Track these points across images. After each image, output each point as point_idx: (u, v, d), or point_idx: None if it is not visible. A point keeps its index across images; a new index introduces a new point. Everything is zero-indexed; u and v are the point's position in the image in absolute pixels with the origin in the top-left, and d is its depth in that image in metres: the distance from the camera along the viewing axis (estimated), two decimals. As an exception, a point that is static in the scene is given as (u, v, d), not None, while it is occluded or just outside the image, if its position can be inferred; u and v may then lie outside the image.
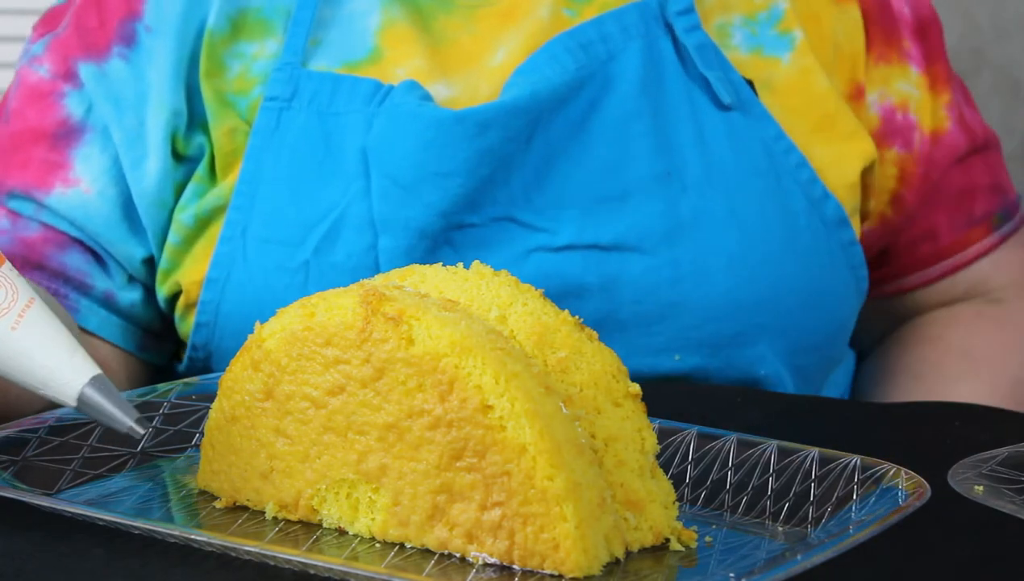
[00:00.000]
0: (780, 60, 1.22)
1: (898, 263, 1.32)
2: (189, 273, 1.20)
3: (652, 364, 1.14)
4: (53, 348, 0.86)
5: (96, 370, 0.86)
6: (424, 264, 1.13)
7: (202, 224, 1.19)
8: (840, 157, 1.22)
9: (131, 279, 1.23)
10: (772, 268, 1.17)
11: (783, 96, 1.21)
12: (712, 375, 1.17)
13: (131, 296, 1.23)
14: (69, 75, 1.23)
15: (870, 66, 1.25)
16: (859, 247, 1.22)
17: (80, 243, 1.22)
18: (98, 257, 1.22)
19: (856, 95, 1.25)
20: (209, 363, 1.21)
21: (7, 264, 0.88)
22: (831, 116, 1.22)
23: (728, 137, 1.18)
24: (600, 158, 1.17)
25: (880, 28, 1.26)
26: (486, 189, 1.16)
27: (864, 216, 1.27)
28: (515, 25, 1.21)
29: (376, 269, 1.15)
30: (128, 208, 1.21)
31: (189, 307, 1.20)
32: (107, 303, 1.23)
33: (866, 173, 1.24)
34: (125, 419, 0.85)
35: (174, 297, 1.22)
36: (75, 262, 1.22)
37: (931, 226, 1.30)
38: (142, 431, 0.85)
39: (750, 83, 1.20)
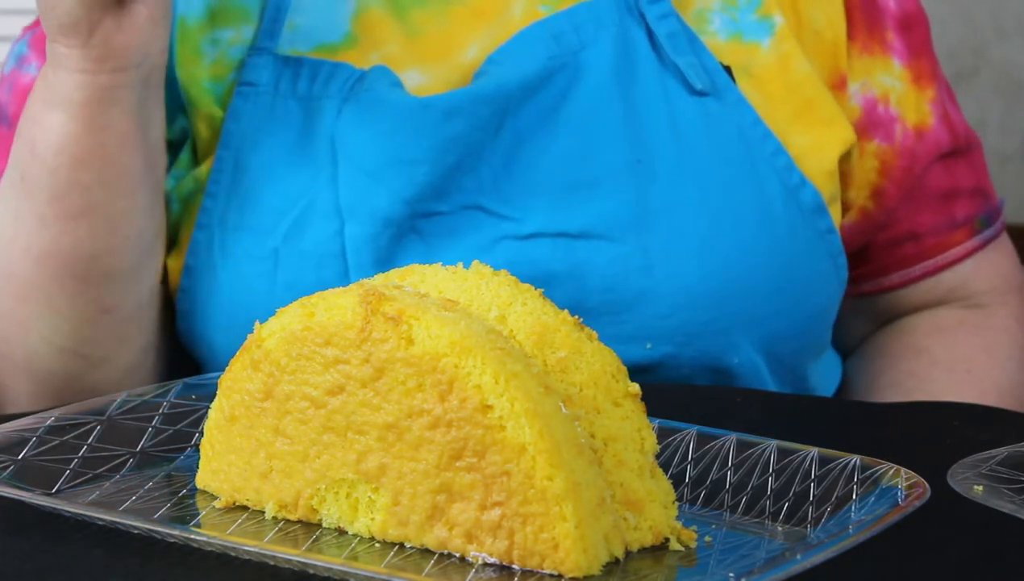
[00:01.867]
0: (760, 45, 1.21)
1: (879, 261, 1.31)
2: (173, 259, 1.20)
3: (623, 353, 1.13)
4: None
5: None
6: (390, 251, 1.14)
7: (184, 208, 1.20)
8: (819, 144, 1.21)
9: None
10: (745, 256, 1.17)
11: (762, 82, 1.21)
12: (684, 364, 1.16)
13: None
14: None
15: (853, 56, 1.25)
16: (837, 235, 1.21)
17: None
18: None
19: (839, 84, 1.24)
20: (195, 350, 1.21)
21: None
22: (810, 102, 1.21)
23: (702, 124, 1.18)
24: (570, 146, 1.17)
25: (863, 18, 1.25)
26: (453, 177, 1.16)
27: (845, 206, 1.27)
28: (488, 22, 1.21)
29: (342, 256, 1.15)
30: None
31: (175, 292, 1.21)
32: None
33: (843, 160, 1.24)
34: None
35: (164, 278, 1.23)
36: None
37: (913, 226, 1.29)
38: None
39: (728, 69, 1.20)
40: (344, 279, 1.15)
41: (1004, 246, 1.34)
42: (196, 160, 1.21)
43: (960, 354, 1.29)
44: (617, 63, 1.18)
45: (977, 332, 1.30)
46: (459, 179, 1.16)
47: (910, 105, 1.27)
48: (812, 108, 1.21)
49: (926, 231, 1.29)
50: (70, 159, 1.12)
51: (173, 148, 1.21)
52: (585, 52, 1.18)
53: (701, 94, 1.18)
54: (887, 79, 1.26)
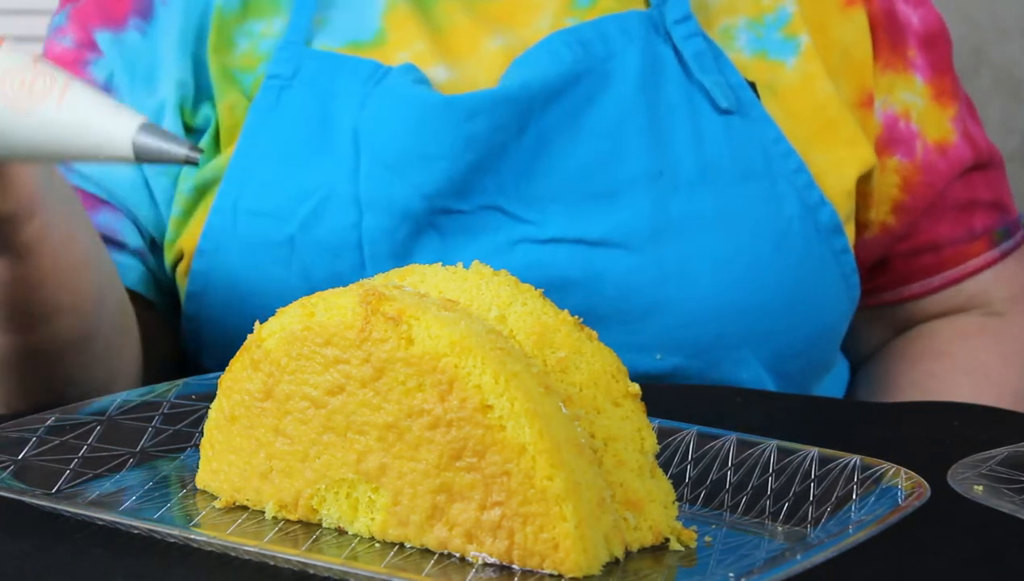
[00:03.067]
0: (784, 64, 1.22)
1: (899, 272, 1.31)
2: (188, 241, 1.20)
3: (633, 362, 1.13)
4: (99, 110, 0.90)
5: (142, 117, 0.90)
6: (407, 246, 1.15)
7: (200, 193, 1.20)
8: (839, 163, 1.21)
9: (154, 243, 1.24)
10: (759, 272, 1.17)
11: (786, 100, 1.21)
12: (693, 376, 1.17)
13: (159, 260, 1.24)
14: (90, 44, 1.24)
15: (877, 73, 1.25)
16: (851, 255, 1.21)
17: (110, 205, 1.22)
18: (129, 217, 1.23)
19: (866, 103, 1.24)
20: (200, 335, 1.21)
21: (41, 58, 0.91)
22: (833, 122, 1.21)
23: (725, 138, 1.18)
24: (593, 153, 1.17)
25: (886, 35, 1.26)
26: (474, 176, 1.16)
27: (864, 226, 1.27)
28: (514, 29, 1.22)
29: (359, 247, 1.15)
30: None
31: (186, 275, 1.21)
32: (144, 260, 1.23)
33: (862, 181, 1.24)
34: (179, 151, 0.88)
35: (176, 264, 1.23)
36: (106, 221, 1.22)
37: (932, 237, 1.29)
38: (196, 157, 0.88)
39: (752, 85, 1.20)
40: (360, 271, 1.15)
41: (1023, 255, 1.34)
42: (217, 148, 1.21)
43: (980, 359, 1.29)
44: (643, 74, 1.19)
45: (997, 339, 1.31)
46: (480, 179, 1.16)
47: (931, 122, 1.27)
48: (834, 128, 1.21)
49: (945, 242, 1.30)
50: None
51: (196, 135, 1.22)
52: (612, 61, 1.18)
53: (726, 112, 1.18)
54: (908, 96, 1.26)
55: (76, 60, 1.24)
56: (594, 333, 0.86)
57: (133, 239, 1.23)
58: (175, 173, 1.21)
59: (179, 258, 1.22)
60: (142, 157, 0.88)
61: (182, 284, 1.22)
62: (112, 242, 1.22)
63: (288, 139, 1.19)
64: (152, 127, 0.88)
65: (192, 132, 1.22)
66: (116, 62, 1.23)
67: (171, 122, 1.22)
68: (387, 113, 1.17)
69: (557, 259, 1.15)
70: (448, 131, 1.16)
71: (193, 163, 0.87)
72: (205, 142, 1.21)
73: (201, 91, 1.22)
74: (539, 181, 1.17)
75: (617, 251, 1.16)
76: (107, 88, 1.23)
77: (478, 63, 1.21)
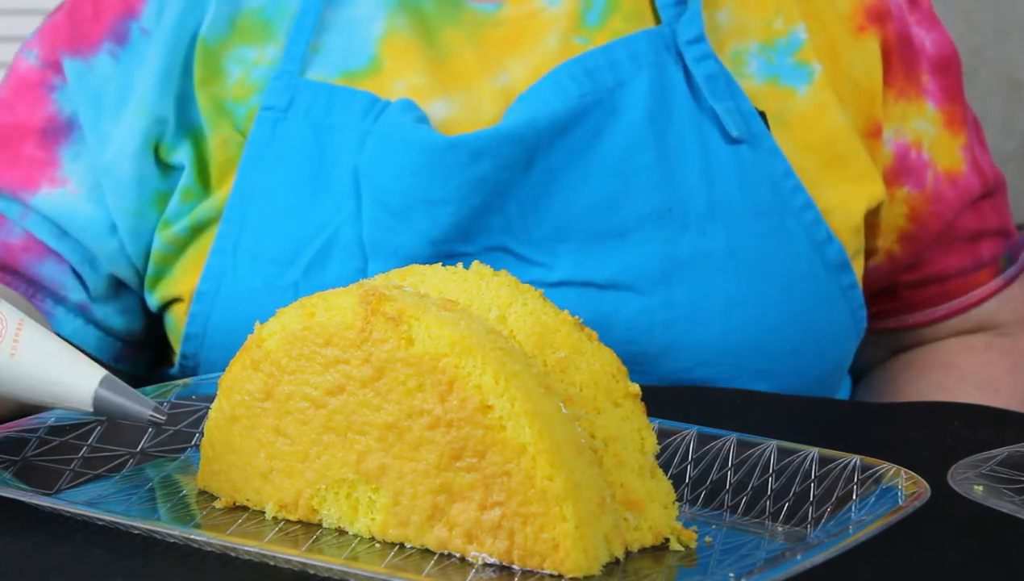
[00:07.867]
0: (796, 91, 1.19)
1: (904, 301, 1.30)
2: (184, 281, 1.19)
3: None
4: (55, 362, 0.88)
5: (102, 371, 0.88)
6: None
7: (195, 232, 1.19)
8: (848, 198, 1.19)
9: (111, 289, 1.23)
10: (769, 312, 1.15)
11: (796, 130, 1.19)
12: None
13: (105, 309, 1.23)
14: (56, 67, 1.22)
15: (888, 103, 1.23)
16: (859, 290, 1.20)
17: (57, 255, 1.21)
18: (74, 270, 1.22)
19: (875, 133, 1.22)
20: (198, 374, 1.20)
21: None
22: (843, 155, 1.19)
23: (735, 172, 1.16)
24: (601, 190, 1.15)
25: (900, 62, 1.23)
26: (480, 217, 1.14)
27: (870, 253, 1.26)
28: (522, 51, 1.19)
29: None
30: None
31: (183, 316, 1.20)
32: (82, 313, 1.23)
33: (870, 213, 1.23)
34: (143, 410, 0.87)
35: (168, 302, 1.21)
36: (50, 272, 1.22)
37: (941, 268, 1.29)
38: (162, 418, 0.87)
39: (762, 115, 1.18)
40: None
41: None
42: (204, 185, 1.19)
43: (988, 374, 1.29)
44: (653, 103, 1.16)
45: (1005, 355, 1.31)
46: (486, 219, 1.14)
47: (943, 150, 1.26)
48: (844, 162, 1.19)
49: (953, 273, 1.29)
50: None
51: (174, 173, 1.20)
52: (620, 90, 1.16)
53: (736, 142, 1.17)
54: (920, 124, 1.24)
55: (40, 83, 1.22)
56: (594, 333, 0.86)
57: (75, 292, 1.22)
58: (146, 213, 1.20)
59: (172, 299, 1.21)
60: (101, 412, 0.88)
61: (179, 324, 1.20)
62: (51, 293, 1.22)
63: (286, 177, 1.16)
64: (112, 381, 0.88)
65: (170, 170, 1.20)
66: (81, 95, 1.21)
67: (138, 156, 1.19)
68: (388, 156, 1.14)
69: (566, 303, 1.12)
70: (452, 174, 1.13)
71: (157, 425, 0.87)
72: (187, 181, 1.19)
73: (183, 127, 1.19)
74: (546, 220, 1.14)
75: (627, 294, 1.14)
76: (71, 123, 1.21)
77: (480, 97, 1.18)
